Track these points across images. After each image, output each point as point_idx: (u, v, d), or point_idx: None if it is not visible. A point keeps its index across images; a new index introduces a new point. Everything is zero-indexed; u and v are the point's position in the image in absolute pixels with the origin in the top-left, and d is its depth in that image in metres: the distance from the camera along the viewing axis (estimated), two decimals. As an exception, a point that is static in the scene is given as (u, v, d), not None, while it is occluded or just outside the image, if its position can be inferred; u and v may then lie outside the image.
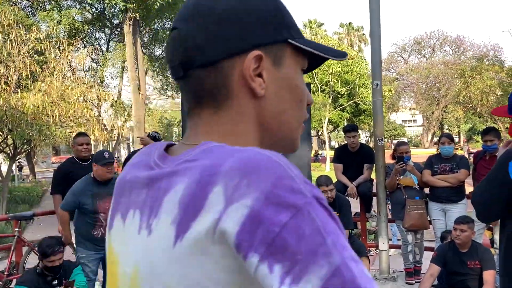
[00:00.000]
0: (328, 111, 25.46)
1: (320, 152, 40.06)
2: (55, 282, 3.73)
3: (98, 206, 3.98)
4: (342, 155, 5.77)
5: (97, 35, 25.89)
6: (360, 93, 25.18)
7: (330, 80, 24.60)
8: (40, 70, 14.24)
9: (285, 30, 0.70)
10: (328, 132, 30.25)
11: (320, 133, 36.79)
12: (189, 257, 0.55)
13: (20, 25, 14.76)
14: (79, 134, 5.20)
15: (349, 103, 26.59)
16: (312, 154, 37.00)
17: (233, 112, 0.69)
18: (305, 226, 0.51)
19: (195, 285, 0.55)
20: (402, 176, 5.12)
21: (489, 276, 3.95)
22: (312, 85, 23.64)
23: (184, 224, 0.56)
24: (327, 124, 26.99)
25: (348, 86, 25.67)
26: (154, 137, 5.27)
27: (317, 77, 24.37)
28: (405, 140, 46.65)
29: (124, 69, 24.57)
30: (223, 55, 0.66)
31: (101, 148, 26.59)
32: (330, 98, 25.72)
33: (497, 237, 5.13)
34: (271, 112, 0.70)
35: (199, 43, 0.66)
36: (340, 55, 0.73)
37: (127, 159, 5.48)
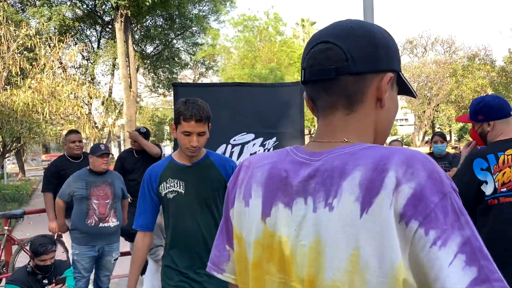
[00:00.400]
0: (320, 109, 25.55)
1: (312, 150, 40.17)
2: (46, 281, 3.68)
3: (91, 193, 4.04)
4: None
5: (88, 32, 25.69)
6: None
7: (323, 78, 24.67)
8: (30, 67, 14.08)
9: (399, 64, 0.96)
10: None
11: (312, 132, 36.88)
12: (373, 225, 0.76)
13: (10, 21, 14.57)
14: (71, 132, 5.14)
15: (341, 101, 26.70)
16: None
17: (361, 116, 0.90)
18: (449, 207, 0.75)
19: (378, 245, 0.76)
20: None
21: None
22: (304, 84, 23.68)
23: (367, 201, 0.78)
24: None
25: (340, 84, 25.79)
26: (144, 132, 5.25)
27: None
28: (397, 138, 46.88)
29: (115, 67, 24.41)
30: (372, 70, 0.89)
31: (87, 146, 26.42)
32: (322, 97, 25.80)
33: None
34: (384, 121, 0.94)
35: (356, 56, 0.87)
36: (414, 95, 1.02)
37: (120, 157, 5.41)
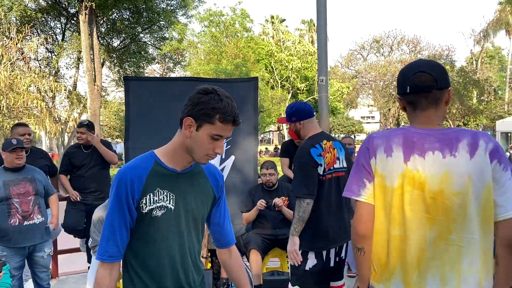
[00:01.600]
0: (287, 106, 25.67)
1: (280, 146, 40.38)
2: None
3: (11, 192, 3.87)
4: (288, 150, 5.79)
5: (52, 24, 25.00)
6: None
7: (290, 75, 24.75)
8: (-13, 58, 13.63)
9: None
10: (288, 127, 30.45)
11: (280, 127, 37.05)
12: (478, 164, 1.65)
13: (-34, 10, 14.07)
14: (19, 125, 5.01)
15: (308, 99, 26.84)
16: (273, 149, 37.19)
17: (440, 112, 1.78)
18: (505, 159, 1.70)
19: (480, 172, 1.64)
20: None
21: None
22: (272, 80, 23.74)
23: (473, 152, 1.66)
24: (287, 119, 27.19)
25: (308, 82, 25.91)
26: (86, 125, 5.21)
27: (277, 72, 24.46)
28: (363, 136, 47.61)
29: (80, 60, 23.85)
30: (447, 87, 1.76)
31: (53, 141, 25.76)
32: (290, 94, 25.89)
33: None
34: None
35: (440, 79, 1.74)
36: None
37: (67, 153, 5.30)
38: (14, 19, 19.55)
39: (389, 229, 1.71)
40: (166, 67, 28.63)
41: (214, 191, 1.90)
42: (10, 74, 13.67)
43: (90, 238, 4.22)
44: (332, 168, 3.04)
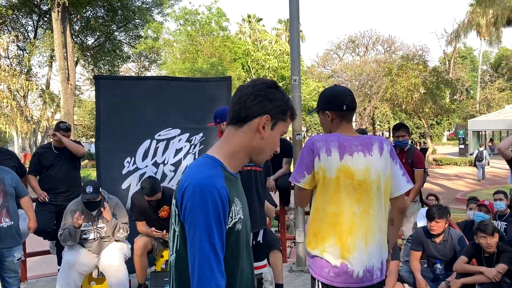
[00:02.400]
0: (264, 105, 25.67)
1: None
2: None
3: None
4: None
5: (24, 21, 24.47)
6: (294, 88, 25.58)
7: (266, 75, 24.78)
8: (-46, 55, 13.23)
9: None
10: (265, 127, 30.43)
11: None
12: (384, 160, 2.35)
13: None
14: None
15: (285, 98, 26.95)
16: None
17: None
18: (396, 155, 2.60)
19: (386, 169, 2.35)
20: None
21: (393, 266, 4.15)
22: (248, 79, 23.72)
23: (382, 151, 2.35)
24: (263, 119, 27.22)
25: (284, 81, 25.99)
26: (65, 129, 5.11)
27: (253, 72, 24.47)
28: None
29: (53, 58, 23.40)
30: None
31: (26, 141, 25.21)
32: (266, 93, 25.94)
33: (405, 228, 5.39)
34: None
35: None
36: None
37: (36, 153, 5.19)
38: (-16, 16, 19.07)
39: (326, 207, 2.30)
40: (141, 65, 28.35)
41: None
42: (-22, 72, 13.30)
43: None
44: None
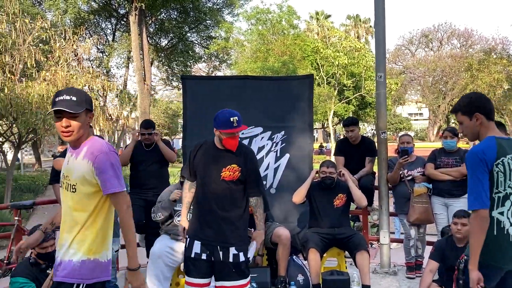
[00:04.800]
0: (333, 103, 25.32)
1: (325, 144, 39.96)
2: (49, 270, 3.69)
3: None
4: (343, 148, 5.72)
5: (103, 25, 25.88)
6: (366, 85, 24.93)
7: (336, 72, 24.41)
8: (45, 59, 14.20)
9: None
10: (333, 125, 30.13)
11: (325, 125, 36.70)
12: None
13: (26, 14, 14.72)
14: None
15: (354, 95, 26.39)
16: (317, 147, 36.90)
17: None
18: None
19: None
20: (417, 186, 5.02)
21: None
22: (317, 77, 23.53)
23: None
24: (333, 117, 26.84)
25: (354, 78, 25.48)
26: (153, 124, 5.39)
27: (322, 69, 24.21)
28: (411, 133, 46.40)
29: (130, 59, 24.53)
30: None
31: (106, 138, 26.63)
32: (336, 91, 25.56)
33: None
34: None
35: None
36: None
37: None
38: (69, 21, 20.34)
39: None
40: (212, 66, 28.99)
41: None
42: (66, 74, 14.20)
43: (155, 214, 4.43)
44: None
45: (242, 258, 3.18)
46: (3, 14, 13.83)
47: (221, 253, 3.16)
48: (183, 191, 3.60)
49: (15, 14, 13.88)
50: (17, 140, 13.90)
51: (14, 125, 13.73)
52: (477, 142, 2.53)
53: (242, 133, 5.34)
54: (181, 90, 5.66)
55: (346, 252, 4.62)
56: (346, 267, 4.67)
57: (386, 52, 5.34)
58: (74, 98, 2.32)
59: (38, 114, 12.71)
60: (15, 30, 13.70)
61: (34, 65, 13.61)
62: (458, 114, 2.52)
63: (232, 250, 3.16)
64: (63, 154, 4.90)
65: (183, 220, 3.48)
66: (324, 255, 4.58)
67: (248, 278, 3.23)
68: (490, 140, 2.38)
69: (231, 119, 3.15)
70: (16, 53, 13.55)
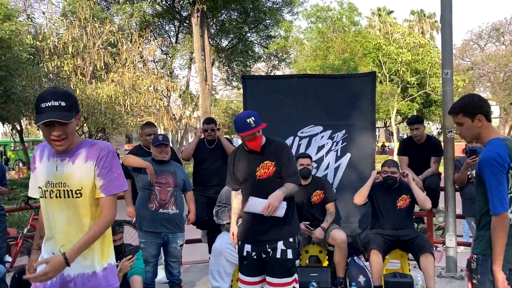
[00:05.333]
0: (396, 101, 24.57)
1: (387, 144, 38.89)
2: (117, 262, 3.87)
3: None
4: (407, 148, 5.55)
5: (167, 27, 26.70)
6: (431, 82, 23.95)
7: (399, 69, 23.67)
8: (113, 61, 14.90)
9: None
10: (396, 124, 29.25)
11: (388, 124, 35.72)
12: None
13: (95, 19, 15.50)
14: (147, 124, 5.37)
15: (419, 93, 25.45)
16: (380, 146, 35.99)
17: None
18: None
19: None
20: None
21: None
22: (380, 74, 22.96)
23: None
24: (395, 115, 26.04)
25: (419, 75, 24.57)
26: (214, 120, 5.54)
27: (385, 66, 23.56)
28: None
29: (192, 60, 25.15)
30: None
31: (170, 137, 27.53)
32: (399, 88, 24.79)
33: None
34: None
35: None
36: None
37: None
38: (135, 24, 21.18)
39: None
40: (271, 65, 29.09)
41: None
42: (132, 76, 14.81)
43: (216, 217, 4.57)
44: None
45: (290, 255, 3.18)
46: (75, 19, 14.66)
47: (270, 249, 3.18)
48: (231, 199, 3.65)
49: (86, 19, 14.65)
50: (87, 138, 14.70)
51: (84, 124, 14.50)
52: (477, 144, 2.59)
53: (302, 132, 5.33)
54: (241, 89, 5.73)
55: (410, 255, 4.49)
56: (409, 269, 4.54)
57: (452, 47, 5.11)
58: (63, 103, 2.10)
59: (107, 114, 13.35)
60: (86, 34, 14.48)
61: (103, 67, 14.31)
62: (459, 115, 2.52)
63: (280, 246, 3.17)
64: (134, 152, 5.13)
65: (233, 226, 3.53)
66: (387, 256, 4.47)
67: (294, 277, 3.22)
68: (499, 143, 2.42)
69: (247, 120, 3.11)
70: (87, 56, 14.32)
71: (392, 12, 42.51)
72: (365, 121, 5.26)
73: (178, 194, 4.38)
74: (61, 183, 2.20)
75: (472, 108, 2.48)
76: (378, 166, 4.92)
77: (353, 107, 5.30)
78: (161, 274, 4.96)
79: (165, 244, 4.36)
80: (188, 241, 5.90)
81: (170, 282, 4.52)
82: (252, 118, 3.13)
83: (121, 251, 3.95)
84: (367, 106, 5.27)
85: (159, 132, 5.66)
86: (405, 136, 31.29)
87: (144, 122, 6.47)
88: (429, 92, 25.05)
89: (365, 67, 21.01)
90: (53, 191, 2.21)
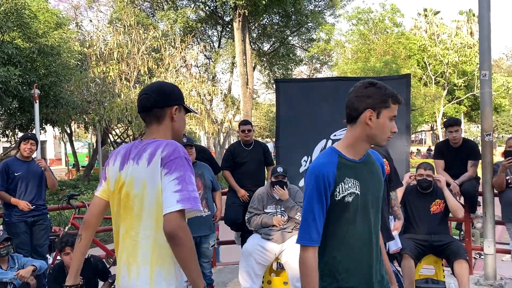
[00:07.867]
0: (442, 104, 23.86)
1: (433, 147, 37.74)
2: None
3: None
4: (443, 151, 5.40)
5: (210, 32, 27.14)
6: (479, 84, 23.17)
7: (445, 71, 23.02)
8: (156, 66, 15.31)
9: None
10: (442, 127, 28.36)
11: (434, 127, 34.72)
12: (152, 170, 1.92)
13: (140, 25, 16.00)
14: (243, 122, 5.61)
15: (466, 95, 24.63)
16: (425, 150, 35.00)
17: (163, 127, 2.07)
18: (173, 164, 1.89)
19: (152, 176, 1.90)
20: None
21: None
22: (424, 76, 22.41)
23: (152, 158, 1.93)
24: (442, 118, 25.29)
25: (466, 77, 23.79)
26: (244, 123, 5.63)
27: (430, 68, 22.95)
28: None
29: (234, 65, 25.45)
30: (167, 105, 2.05)
31: (210, 140, 27.88)
32: (445, 90, 24.07)
33: None
34: (176, 129, 2.16)
35: (159, 99, 2.04)
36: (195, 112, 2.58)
37: (229, 151, 5.69)
38: (178, 30, 21.67)
39: (115, 225, 2.03)
40: (313, 68, 28.97)
41: (382, 177, 2.09)
42: (175, 80, 15.17)
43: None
44: None
45: None
46: (120, 26, 15.19)
47: None
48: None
49: (131, 26, 15.14)
50: (131, 141, 15.19)
51: (129, 128, 14.97)
52: None
53: (334, 135, 5.30)
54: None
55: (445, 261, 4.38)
56: (444, 276, 4.42)
57: (491, 47, 4.94)
58: None
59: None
60: (131, 40, 14.97)
61: (147, 72, 14.74)
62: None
63: None
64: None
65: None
66: (420, 262, 4.38)
67: None
68: None
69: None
70: (131, 62, 14.79)
71: (438, 12, 41.26)
72: (399, 123, 5.13)
73: (208, 196, 4.45)
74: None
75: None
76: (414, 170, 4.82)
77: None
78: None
79: (197, 245, 4.43)
80: (222, 243, 6.00)
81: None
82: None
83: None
84: (401, 109, 5.17)
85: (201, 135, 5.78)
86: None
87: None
88: (477, 94, 24.18)
89: (408, 69, 20.60)
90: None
